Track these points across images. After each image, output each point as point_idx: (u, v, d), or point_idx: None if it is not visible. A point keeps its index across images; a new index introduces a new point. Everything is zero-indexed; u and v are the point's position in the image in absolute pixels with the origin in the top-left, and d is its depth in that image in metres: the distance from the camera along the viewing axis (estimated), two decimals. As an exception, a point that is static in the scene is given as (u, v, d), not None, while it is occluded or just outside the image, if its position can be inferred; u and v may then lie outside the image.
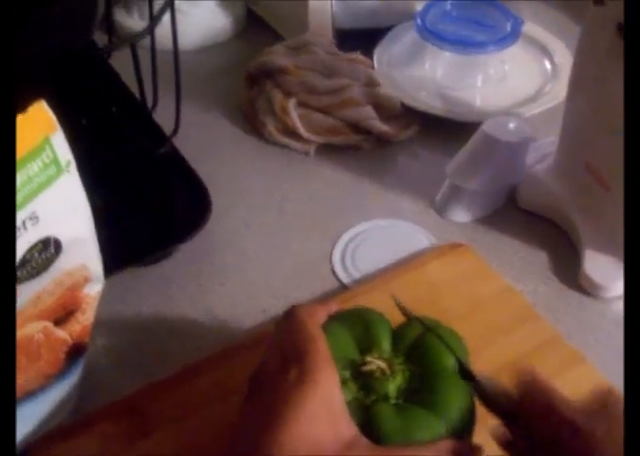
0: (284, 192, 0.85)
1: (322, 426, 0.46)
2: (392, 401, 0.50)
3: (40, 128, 0.47)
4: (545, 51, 0.99)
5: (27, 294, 0.51)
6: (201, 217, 0.75)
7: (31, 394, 0.57)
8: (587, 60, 0.71)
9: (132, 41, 0.65)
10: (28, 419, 0.59)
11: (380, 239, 0.79)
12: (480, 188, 0.78)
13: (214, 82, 1.00)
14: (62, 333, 0.57)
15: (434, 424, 0.49)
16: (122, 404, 0.63)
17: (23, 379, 0.55)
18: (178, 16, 0.69)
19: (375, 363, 0.51)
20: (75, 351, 0.59)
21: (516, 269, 0.75)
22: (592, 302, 0.73)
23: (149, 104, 0.77)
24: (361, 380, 0.51)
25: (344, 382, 0.50)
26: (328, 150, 0.89)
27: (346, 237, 0.79)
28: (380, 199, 0.84)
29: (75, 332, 0.58)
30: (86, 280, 0.57)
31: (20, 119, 0.46)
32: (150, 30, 0.66)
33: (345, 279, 0.75)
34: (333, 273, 0.76)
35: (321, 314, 0.54)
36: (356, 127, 0.89)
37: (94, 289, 0.58)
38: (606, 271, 0.72)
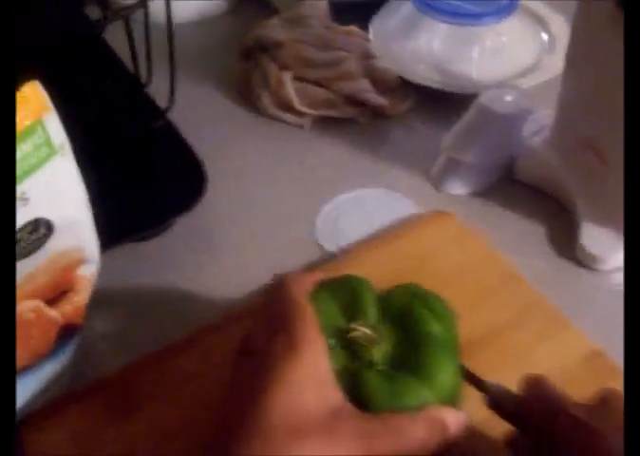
0: (279, 165, 0.85)
1: (308, 393, 0.46)
2: (379, 367, 0.51)
3: (33, 109, 0.47)
4: (542, 23, 0.98)
5: (18, 273, 0.51)
6: (197, 191, 0.75)
7: (22, 372, 0.57)
8: (585, 32, 0.70)
9: (125, 13, 0.64)
10: (18, 396, 0.59)
11: (367, 208, 0.80)
12: (476, 161, 0.78)
13: (208, 56, 1.00)
14: (54, 313, 0.57)
15: (420, 390, 0.49)
16: (109, 379, 0.64)
17: (14, 356, 0.56)
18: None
19: (361, 329, 0.51)
20: (67, 332, 0.59)
21: (512, 242, 0.75)
22: (589, 274, 0.73)
23: (143, 78, 0.76)
24: (347, 347, 0.51)
25: (331, 350, 0.50)
26: (323, 123, 0.89)
27: (332, 206, 0.80)
28: (375, 171, 0.84)
29: (67, 313, 0.58)
30: (81, 262, 0.57)
31: (12, 99, 0.46)
32: (143, 3, 0.65)
33: (330, 248, 0.75)
34: (317, 241, 0.76)
35: (308, 283, 0.55)
36: (352, 100, 0.88)
37: (89, 270, 0.58)
38: (603, 243, 0.72)
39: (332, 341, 0.51)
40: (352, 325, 0.52)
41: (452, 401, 0.51)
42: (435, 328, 0.53)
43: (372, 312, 0.54)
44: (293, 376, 0.46)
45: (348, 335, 0.51)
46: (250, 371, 0.49)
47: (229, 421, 0.47)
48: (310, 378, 0.46)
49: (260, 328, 0.52)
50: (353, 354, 0.51)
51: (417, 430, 0.47)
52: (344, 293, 0.54)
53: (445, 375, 0.51)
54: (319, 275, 0.57)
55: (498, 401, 0.52)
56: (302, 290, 0.53)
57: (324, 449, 0.44)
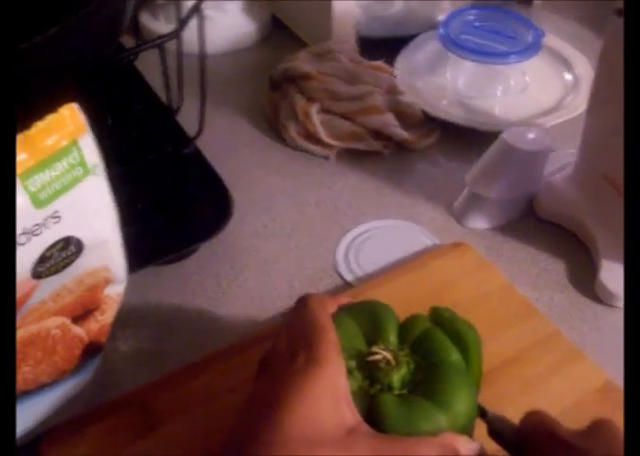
0: (303, 195, 0.86)
1: (326, 410, 0.46)
2: (396, 391, 0.51)
3: (69, 130, 0.48)
4: (566, 63, 1.00)
5: (46, 289, 0.52)
6: (222, 217, 0.76)
7: (44, 387, 0.58)
8: (608, 73, 0.71)
9: (160, 42, 0.66)
10: (39, 410, 0.59)
11: (388, 239, 0.80)
12: (498, 196, 0.79)
13: (238, 86, 1.02)
14: (79, 331, 0.57)
15: (436, 416, 0.50)
16: (130, 397, 0.64)
17: (38, 372, 0.56)
18: (204, 21, 0.70)
19: (381, 353, 0.52)
20: (91, 350, 0.60)
21: (532, 277, 0.76)
22: (608, 311, 0.73)
23: (174, 106, 0.78)
24: (366, 370, 0.52)
25: (350, 371, 0.50)
26: (348, 155, 0.90)
27: (353, 236, 0.81)
28: (398, 203, 0.85)
29: (92, 331, 0.58)
30: (108, 281, 0.57)
31: (50, 119, 0.47)
32: (177, 33, 0.67)
33: (348, 277, 0.76)
34: (337, 270, 0.77)
35: (332, 304, 0.56)
36: (377, 134, 0.90)
37: (115, 290, 0.59)
38: (621, 280, 0.72)
39: (352, 363, 0.52)
40: (373, 348, 0.52)
41: (466, 428, 0.52)
42: (454, 356, 0.54)
43: (393, 337, 0.54)
44: (312, 392, 0.47)
45: (368, 359, 0.52)
46: (269, 386, 0.49)
47: (245, 432, 0.47)
48: (328, 396, 0.47)
49: (283, 344, 0.52)
50: (372, 378, 0.52)
51: (430, 454, 0.47)
52: (366, 316, 0.55)
53: (461, 403, 0.51)
54: (343, 298, 0.58)
55: (499, 430, 0.53)
56: (326, 310, 0.53)
57: None
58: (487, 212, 0.81)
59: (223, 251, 0.78)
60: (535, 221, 0.82)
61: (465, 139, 0.91)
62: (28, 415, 0.58)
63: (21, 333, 0.52)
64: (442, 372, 0.52)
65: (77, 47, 0.58)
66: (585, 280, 0.75)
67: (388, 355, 0.52)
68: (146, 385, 0.65)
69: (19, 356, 0.53)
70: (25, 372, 0.55)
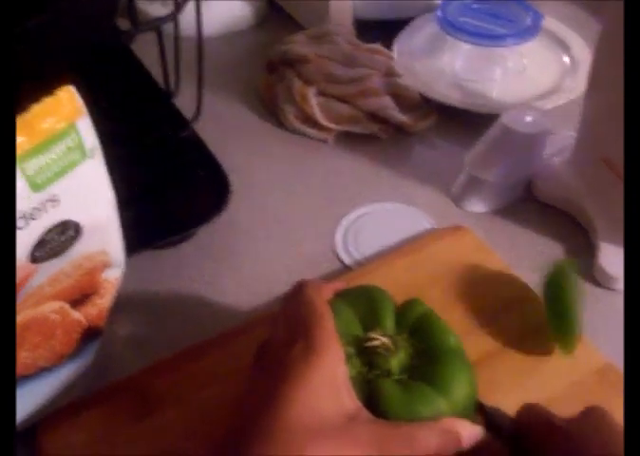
0: (301, 178, 0.86)
1: (325, 398, 0.47)
2: (395, 377, 0.51)
3: (66, 113, 0.48)
4: (564, 46, 0.99)
5: (45, 273, 0.52)
6: (220, 201, 0.75)
7: (44, 372, 0.58)
8: (607, 56, 0.71)
9: (156, 24, 0.65)
10: (38, 395, 0.59)
11: (387, 223, 0.80)
12: (496, 179, 0.79)
13: (235, 69, 1.01)
14: (77, 315, 0.57)
15: (436, 400, 0.50)
16: (126, 383, 0.64)
17: (36, 356, 0.56)
18: (201, 4, 0.69)
19: (379, 339, 0.52)
20: (90, 334, 0.60)
21: (531, 260, 0.76)
22: (606, 294, 0.73)
23: (171, 89, 0.77)
24: (365, 356, 0.52)
25: (348, 358, 0.51)
26: (346, 138, 0.90)
27: (351, 219, 0.81)
28: (396, 186, 0.85)
29: (91, 316, 0.59)
30: (106, 265, 0.57)
31: (47, 102, 0.47)
32: (174, 16, 0.66)
33: (348, 260, 0.76)
34: (336, 254, 0.77)
35: (327, 291, 0.56)
36: (375, 117, 0.89)
37: (113, 274, 0.59)
38: (620, 263, 0.72)
39: (350, 349, 0.52)
40: (371, 334, 0.52)
41: (467, 412, 0.52)
42: (452, 340, 0.54)
43: (390, 322, 0.55)
44: (311, 380, 0.47)
45: (367, 344, 0.52)
46: (267, 375, 0.49)
47: (244, 422, 0.47)
48: (328, 383, 0.47)
49: (280, 332, 0.52)
50: (371, 363, 0.52)
51: (431, 440, 0.47)
52: (362, 302, 0.55)
53: (461, 387, 0.52)
54: (339, 284, 0.58)
55: (496, 423, 0.53)
56: (321, 296, 0.54)
57: (338, 451, 0.45)
58: (485, 195, 0.80)
59: (221, 235, 0.78)
60: (533, 204, 0.82)
61: (463, 121, 0.91)
62: (27, 400, 0.58)
63: (19, 318, 0.52)
64: (440, 357, 0.53)
65: (71, 31, 0.57)
66: (583, 263, 0.75)
67: (387, 341, 0.52)
68: (143, 370, 0.65)
69: (18, 341, 0.53)
70: (23, 357, 0.55)
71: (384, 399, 0.49)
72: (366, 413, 0.48)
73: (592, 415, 0.50)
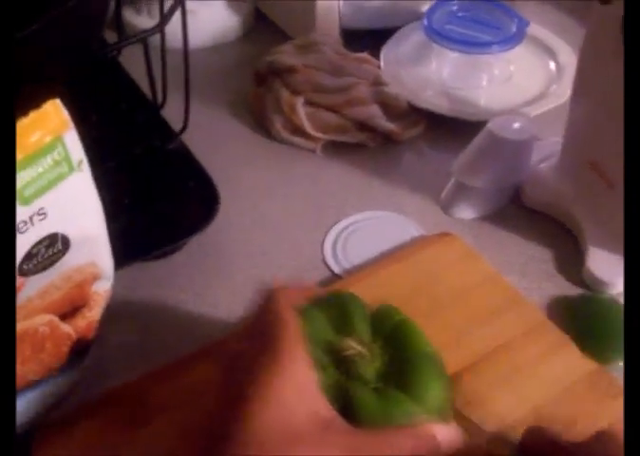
0: (290, 188, 0.86)
1: (295, 407, 0.46)
2: (371, 385, 0.51)
3: (53, 126, 0.48)
4: (550, 52, 1.00)
5: (34, 286, 0.52)
6: (209, 212, 0.75)
7: (33, 384, 0.58)
8: (592, 60, 0.71)
9: (143, 36, 0.65)
10: (29, 408, 0.59)
11: (375, 231, 0.81)
12: (484, 186, 0.79)
13: (222, 80, 1.01)
14: (67, 328, 0.57)
15: (411, 407, 0.50)
16: (121, 392, 0.64)
17: (26, 369, 0.56)
18: (187, 15, 0.70)
19: (354, 347, 0.52)
20: (79, 347, 0.60)
21: (520, 266, 0.76)
22: (596, 298, 0.73)
23: (158, 101, 0.78)
24: (340, 364, 0.52)
25: (323, 366, 0.50)
26: (334, 148, 0.90)
27: (340, 228, 0.81)
28: (384, 195, 0.85)
29: (80, 328, 0.59)
30: (95, 278, 0.57)
31: (33, 116, 0.47)
32: (161, 28, 0.66)
33: (336, 269, 0.76)
34: (325, 262, 0.77)
35: (296, 297, 0.54)
36: (362, 126, 0.89)
37: (103, 286, 0.59)
38: (609, 268, 0.73)
39: (325, 357, 0.52)
40: (345, 341, 0.52)
41: (442, 418, 0.52)
42: (427, 348, 0.54)
43: (363, 328, 0.54)
44: (276, 392, 0.46)
45: (342, 353, 0.52)
46: (236, 386, 0.48)
47: (216, 436, 0.47)
48: (295, 393, 0.46)
49: (246, 341, 0.51)
50: (345, 370, 0.52)
51: (407, 445, 0.47)
52: (335, 309, 0.55)
53: (436, 393, 0.52)
54: (310, 289, 0.58)
55: (499, 448, 0.53)
56: (289, 305, 0.52)
57: None
58: (474, 201, 0.81)
59: (210, 245, 0.78)
60: (521, 210, 0.82)
61: (451, 129, 0.91)
62: (19, 414, 0.58)
63: (9, 331, 0.52)
64: (415, 364, 0.53)
65: (57, 44, 0.57)
66: (572, 268, 0.76)
67: (362, 349, 0.52)
68: (136, 379, 0.65)
69: (8, 354, 0.53)
70: (13, 370, 0.55)
71: (358, 406, 0.49)
72: (340, 421, 0.47)
73: (602, 439, 0.50)
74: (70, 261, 0.53)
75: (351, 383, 0.51)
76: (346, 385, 0.51)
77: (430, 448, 0.48)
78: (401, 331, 0.55)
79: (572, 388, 0.63)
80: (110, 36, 0.78)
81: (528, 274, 0.75)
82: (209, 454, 0.47)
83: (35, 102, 0.47)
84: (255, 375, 0.47)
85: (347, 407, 0.49)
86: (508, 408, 0.55)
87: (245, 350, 0.51)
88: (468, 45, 0.92)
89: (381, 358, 0.53)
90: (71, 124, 0.49)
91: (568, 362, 0.65)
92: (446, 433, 0.49)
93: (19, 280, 0.50)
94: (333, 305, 0.55)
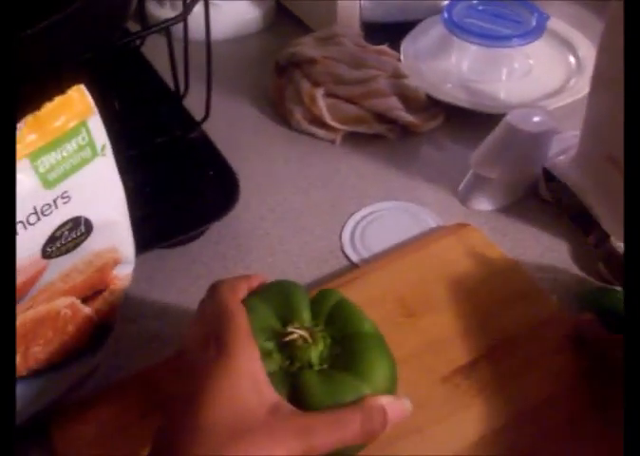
0: (309, 178, 0.87)
1: (244, 396, 0.47)
2: (317, 368, 0.52)
3: (77, 111, 0.49)
4: (569, 46, 1.00)
5: (56, 269, 0.53)
6: (229, 200, 0.76)
7: (55, 367, 0.59)
8: (609, 54, 0.72)
9: (165, 25, 0.66)
10: (50, 390, 0.60)
11: (393, 221, 0.81)
12: (502, 178, 0.79)
13: (243, 71, 1.02)
14: (88, 311, 0.58)
15: (359, 386, 0.51)
16: (137, 378, 0.65)
17: (49, 351, 0.57)
18: (210, 8, 0.71)
19: (296, 332, 0.52)
20: (101, 330, 0.61)
21: (536, 257, 0.77)
22: (612, 291, 0.73)
23: (180, 91, 0.78)
24: (285, 350, 0.52)
25: (269, 353, 0.51)
26: (353, 139, 0.91)
27: (359, 218, 0.82)
28: (403, 186, 0.85)
29: (102, 312, 0.59)
30: (116, 262, 0.58)
31: (58, 101, 0.48)
32: (184, 16, 0.67)
33: (354, 258, 0.77)
34: (343, 252, 0.78)
35: (241, 289, 0.55)
36: (382, 117, 0.90)
37: (123, 271, 0.60)
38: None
39: (270, 345, 0.52)
40: (288, 328, 0.53)
41: (390, 393, 0.52)
42: (366, 326, 0.55)
43: (306, 314, 0.55)
44: (226, 381, 0.47)
45: (285, 339, 0.52)
46: (186, 380, 0.49)
47: (170, 430, 0.47)
48: (244, 382, 0.47)
49: (194, 335, 0.52)
50: (291, 357, 0.52)
51: (356, 420, 0.48)
52: (278, 297, 0.56)
53: (381, 370, 0.52)
54: (254, 280, 0.58)
55: None
56: (236, 296, 0.54)
57: (263, 449, 0.45)
58: (491, 193, 0.81)
59: (230, 234, 0.79)
60: (539, 203, 0.82)
61: (470, 122, 0.91)
62: (40, 395, 0.59)
63: (31, 314, 0.53)
64: (357, 343, 0.53)
65: (82, 33, 0.58)
66: (588, 260, 0.76)
67: (304, 333, 0.52)
68: (154, 365, 0.66)
69: (30, 336, 0.54)
70: (36, 352, 0.56)
71: (307, 391, 0.50)
72: (288, 406, 0.48)
73: None
74: (92, 245, 0.54)
75: (298, 368, 0.52)
76: (292, 371, 0.52)
77: (381, 421, 0.49)
78: (339, 312, 0.55)
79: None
80: (134, 28, 0.79)
81: (543, 265, 0.75)
82: (164, 442, 0.48)
83: (60, 87, 0.48)
84: (205, 367, 0.48)
85: (295, 392, 0.50)
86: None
87: (194, 343, 0.52)
88: (488, 38, 0.93)
89: (323, 341, 0.53)
90: (95, 110, 0.50)
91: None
92: (395, 405, 0.50)
93: (42, 263, 0.51)
94: (276, 293, 0.56)
